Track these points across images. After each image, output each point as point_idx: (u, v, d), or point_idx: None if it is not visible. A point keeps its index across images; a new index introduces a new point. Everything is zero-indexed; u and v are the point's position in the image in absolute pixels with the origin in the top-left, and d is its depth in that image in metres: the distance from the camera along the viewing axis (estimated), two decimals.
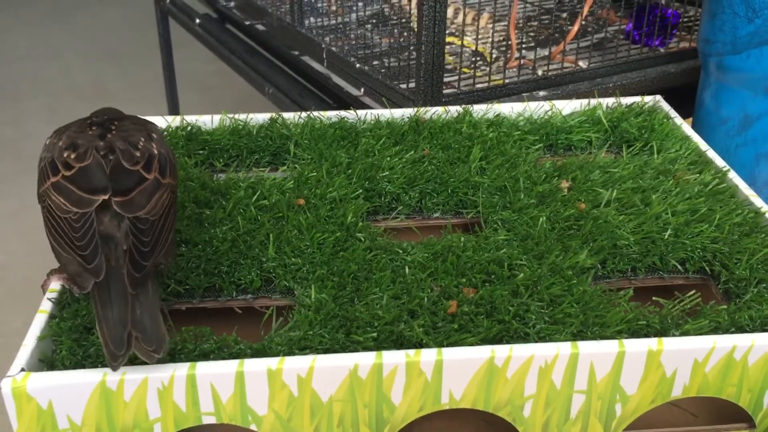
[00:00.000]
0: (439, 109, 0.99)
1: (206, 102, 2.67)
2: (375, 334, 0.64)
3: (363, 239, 0.76)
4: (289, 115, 0.98)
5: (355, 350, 0.63)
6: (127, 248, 0.62)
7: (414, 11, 1.39)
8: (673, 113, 1.00)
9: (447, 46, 1.30)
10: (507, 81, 1.15)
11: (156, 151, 0.69)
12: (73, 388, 0.59)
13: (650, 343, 0.63)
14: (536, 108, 1.00)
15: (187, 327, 0.65)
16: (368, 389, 0.62)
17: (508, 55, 1.26)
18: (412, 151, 0.90)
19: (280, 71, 1.48)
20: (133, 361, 0.60)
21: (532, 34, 1.39)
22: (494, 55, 1.29)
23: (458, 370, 0.62)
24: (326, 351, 0.63)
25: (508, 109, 1.00)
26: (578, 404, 0.64)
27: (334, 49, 1.27)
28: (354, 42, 1.34)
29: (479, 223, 0.81)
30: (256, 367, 0.60)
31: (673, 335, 0.66)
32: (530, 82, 1.16)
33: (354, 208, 0.80)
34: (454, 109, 0.99)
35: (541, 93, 1.16)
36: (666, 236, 0.76)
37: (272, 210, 0.80)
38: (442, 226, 0.82)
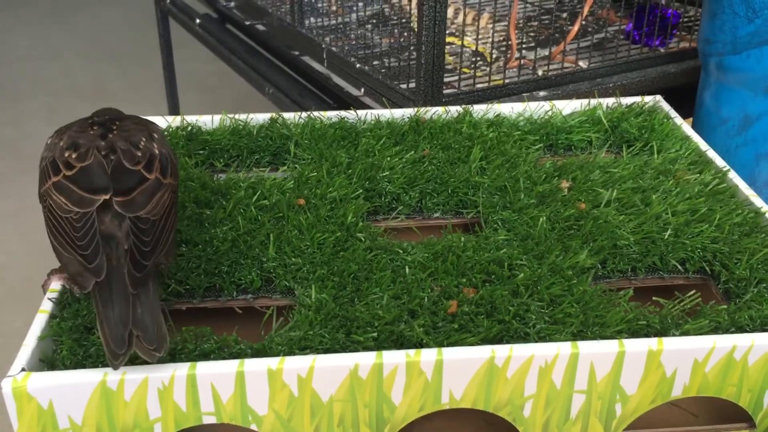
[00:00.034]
0: (440, 109, 0.99)
1: (206, 102, 2.67)
2: (375, 334, 0.64)
3: (363, 239, 0.76)
4: (289, 115, 0.98)
5: (356, 350, 0.63)
6: (128, 248, 0.62)
7: (414, 11, 1.39)
8: (673, 113, 1.00)
9: (447, 46, 1.30)
10: (507, 81, 1.15)
11: (157, 151, 0.69)
12: (74, 387, 0.59)
13: (650, 343, 0.63)
14: (536, 108, 1.00)
15: (188, 327, 0.65)
16: (368, 389, 0.62)
17: (509, 55, 1.26)
18: (413, 151, 0.90)
19: (280, 71, 1.48)
20: (134, 361, 0.60)
21: (532, 34, 1.39)
22: (494, 55, 1.29)
23: (458, 370, 0.62)
24: (326, 351, 0.63)
25: (509, 109, 1.00)
26: (578, 404, 0.64)
27: (334, 49, 1.28)
28: (354, 42, 1.34)
29: (479, 223, 0.82)
30: (256, 367, 0.60)
31: (673, 335, 0.66)
32: (530, 82, 1.16)
33: (354, 208, 0.80)
34: (455, 109, 0.99)
35: (542, 93, 1.16)
36: (666, 236, 0.76)
37: (272, 210, 0.80)
38: (443, 226, 0.82)
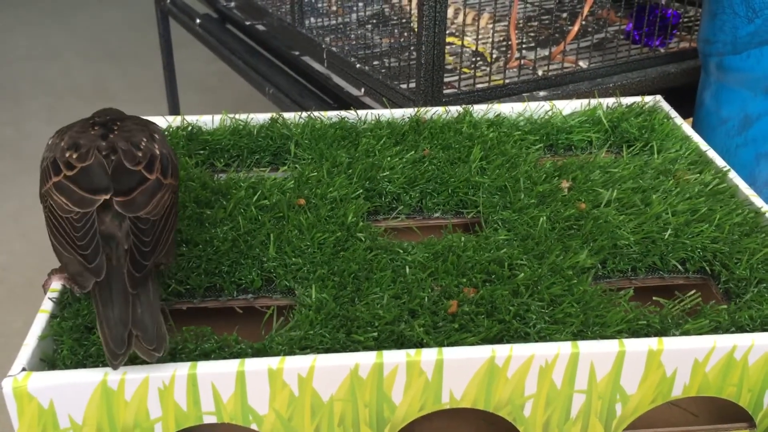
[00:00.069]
0: (440, 109, 0.99)
1: (207, 102, 2.67)
2: (375, 334, 0.64)
3: (363, 239, 0.76)
4: (289, 115, 0.98)
5: (356, 350, 0.63)
6: (128, 248, 0.62)
7: (414, 11, 1.39)
8: (673, 113, 1.00)
9: (447, 47, 1.30)
10: (507, 81, 1.15)
11: (158, 152, 0.69)
12: (74, 387, 0.59)
13: (650, 342, 0.63)
14: (536, 108, 1.00)
15: (188, 327, 0.65)
16: (369, 389, 0.62)
17: (509, 56, 1.26)
18: (413, 151, 0.90)
19: (280, 71, 1.48)
20: (134, 361, 0.60)
21: (532, 34, 1.39)
22: (494, 56, 1.29)
23: (459, 370, 0.62)
24: (327, 351, 0.63)
25: (509, 109, 1.00)
26: (578, 404, 0.64)
27: (334, 49, 1.28)
28: (354, 42, 1.34)
29: (480, 223, 0.82)
30: (256, 366, 0.60)
31: (674, 335, 0.66)
32: (530, 82, 1.16)
33: (354, 208, 0.80)
34: (455, 109, 0.99)
35: (542, 93, 1.16)
36: (666, 236, 0.76)
37: (273, 210, 0.80)
38: (443, 226, 0.82)
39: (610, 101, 1.02)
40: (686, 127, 0.97)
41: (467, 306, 0.67)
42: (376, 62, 1.24)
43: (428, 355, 0.61)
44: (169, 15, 1.95)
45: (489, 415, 0.65)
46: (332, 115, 0.98)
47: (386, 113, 0.99)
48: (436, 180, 0.85)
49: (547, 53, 1.27)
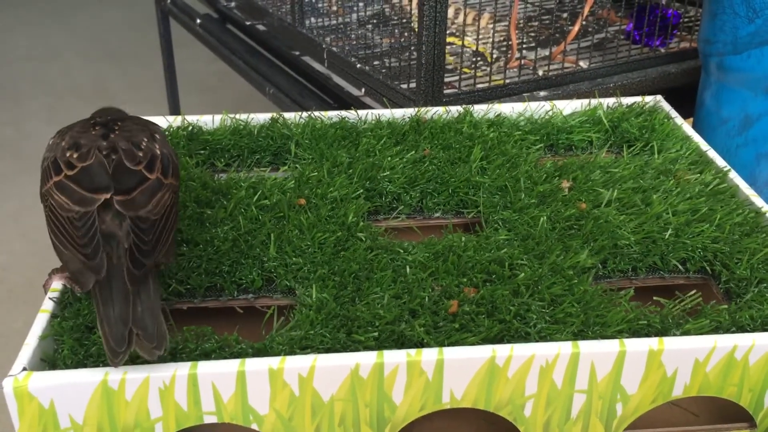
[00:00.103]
0: (440, 109, 0.99)
1: (207, 102, 2.68)
2: (376, 334, 0.64)
3: (364, 239, 0.76)
4: (290, 115, 0.98)
5: (357, 350, 0.63)
6: (128, 246, 0.62)
7: (415, 11, 1.39)
8: (673, 113, 1.00)
9: (448, 47, 1.30)
10: (508, 81, 1.15)
11: (159, 152, 0.69)
12: (75, 387, 0.59)
13: (651, 342, 0.63)
14: (537, 108, 1.00)
15: (189, 326, 0.65)
16: (369, 389, 0.62)
17: (509, 56, 1.26)
18: (413, 151, 0.90)
19: (280, 71, 1.48)
20: (134, 360, 0.60)
21: (532, 34, 1.39)
22: (495, 56, 1.29)
23: (459, 370, 0.62)
24: (327, 350, 0.63)
25: (509, 109, 1.00)
26: (579, 404, 0.64)
27: (334, 49, 1.28)
28: (355, 42, 1.34)
29: (480, 223, 0.82)
30: (257, 366, 0.60)
31: (674, 335, 0.66)
32: (531, 82, 1.16)
33: (355, 207, 0.80)
34: (455, 109, 0.99)
35: (542, 93, 1.16)
36: (667, 236, 0.76)
37: (273, 210, 0.80)
38: (443, 225, 0.82)
39: (610, 101, 1.02)
40: (687, 127, 0.97)
41: (468, 306, 0.67)
42: (376, 62, 1.24)
43: (429, 355, 0.61)
44: (170, 15, 1.95)
45: (489, 415, 0.65)
46: (333, 115, 0.98)
47: (387, 113, 0.99)
48: (437, 180, 0.85)
49: (547, 53, 1.27)
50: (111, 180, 0.65)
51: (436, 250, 0.75)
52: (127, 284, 0.60)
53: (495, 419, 0.66)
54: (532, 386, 0.63)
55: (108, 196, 0.64)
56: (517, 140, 0.94)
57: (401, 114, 0.98)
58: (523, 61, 1.22)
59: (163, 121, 0.96)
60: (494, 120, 0.98)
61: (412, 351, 0.62)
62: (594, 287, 0.70)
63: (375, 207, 0.83)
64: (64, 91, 2.82)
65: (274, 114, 0.98)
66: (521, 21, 1.45)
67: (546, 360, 0.62)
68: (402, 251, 0.75)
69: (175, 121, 0.97)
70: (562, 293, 0.69)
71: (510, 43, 1.27)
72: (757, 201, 0.82)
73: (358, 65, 1.21)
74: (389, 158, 0.88)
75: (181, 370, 0.60)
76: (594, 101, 1.01)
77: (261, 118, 0.97)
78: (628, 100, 1.03)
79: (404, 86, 1.13)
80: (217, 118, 0.97)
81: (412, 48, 1.30)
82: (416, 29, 1.06)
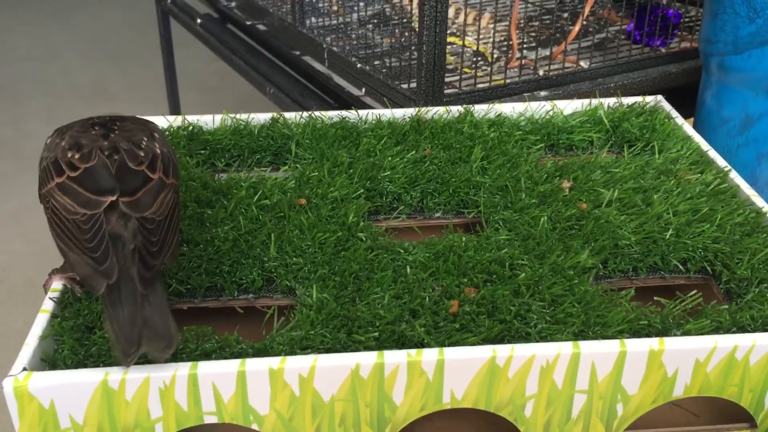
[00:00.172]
0: (441, 109, 0.99)
1: (207, 102, 2.68)
2: (376, 334, 0.64)
3: (364, 239, 0.76)
4: (290, 115, 0.98)
5: (357, 350, 0.63)
6: (135, 247, 0.62)
7: (415, 11, 1.39)
8: (674, 113, 1.00)
9: (448, 46, 1.30)
10: (508, 81, 1.15)
11: (159, 151, 0.69)
12: (75, 387, 0.59)
13: (652, 342, 0.63)
14: (537, 108, 1.00)
15: (189, 326, 0.65)
16: (370, 389, 0.62)
17: (510, 55, 1.26)
18: (414, 151, 0.90)
19: (281, 71, 1.48)
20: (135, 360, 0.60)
21: (533, 34, 1.39)
22: (495, 55, 1.29)
23: (460, 370, 0.62)
24: (328, 350, 0.63)
25: (510, 109, 1.00)
26: (580, 404, 0.64)
27: (335, 49, 1.28)
28: (355, 42, 1.34)
29: (480, 223, 0.81)
30: (257, 366, 0.60)
31: (675, 335, 0.66)
32: (531, 82, 1.16)
33: (355, 207, 0.80)
34: (456, 109, 0.99)
35: (543, 93, 1.16)
36: (667, 236, 0.76)
37: (274, 210, 0.80)
38: (444, 225, 0.82)
39: (611, 101, 1.02)
40: (687, 127, 0.97)
41: (468, 306, 0.67)
42: (377, 62, 1.24)
43: (429, 355, 0.61)
44: (170, 15, 1.95)
45: (490, 415, 0.65)
46: (333, 114, 0.98)
47: (387, 113, 0.98)
48: (437, 180, 0.85)
49: (548, 53, 1.27)
50: (115, 181, 0.65)
51: (436, 250, 0.75)
52: (138, 285, 0.59)
53: (495, 419, 0.66)
54: (533, 386, 0.63)
55: (114, 198, 0.64)
56: (517, 140, 0.94)
57: (402, 114, 0.98)
58: (523, 61, 1.22)
59: (163, 121, 0.96)
60: (495, 120, 0.98)
61: (413, 351, 0.61)
62: (595, 287, 0.70)
63: (375, 207, 0.83)
64: (64, 91, 2.82)
65: (275, 114, 0.98)
66: (522, 21, 1.45)
67: (546, 360, 0.62)
68: (402, 251, 0.75)
69: (176, 121, 0.97)
70: (562, 293, 0.69)
71: (510, 42, 1.27)
72: (758, 201, 0.82)
73: (359, 65, 1.21)
74: (390, 158, 0.88)
75: (181, 370, 0.60)
76: (595, 101, 1.01)
77: (261, 117, 0.97)
78: (628, 100, 1.03)
79: (405, 86, 1.13)
80: (218, 117, 0.97)
81: (413, 48, 1.30)
82: (417, 29, 1.06)
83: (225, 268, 0.72)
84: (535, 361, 0.62)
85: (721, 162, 0.89)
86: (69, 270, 0.67)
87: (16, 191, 2.19)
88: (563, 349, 0.62)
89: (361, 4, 1.50)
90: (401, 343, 0.64)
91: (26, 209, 2.10)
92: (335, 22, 1.43)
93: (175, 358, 0.62)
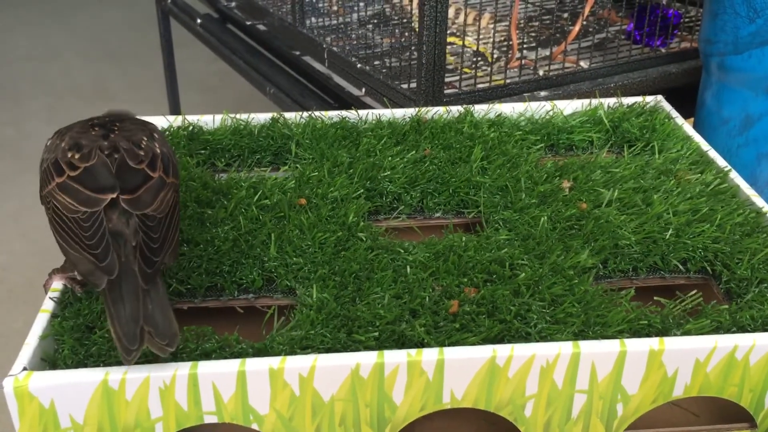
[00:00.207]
0: (441, 109, 0.99)
1: (207, 102, 2.68)
2: (376, 334, 0.64)
3: (364, 239, 0.76)
4: (290, 115, 0.98)
5: (357, 350, 0.63)
6: (137, 245, 0.62)
7: (415, 11, 1.39)
8: (674, 113, 1.00)
9: (448, 46, 1.30)
10: (508, 81, 1.15)
11: (159, 151, 0.69)
12: (75, 387, 0.59)
13: (652, 342, 0.63)
14: (537, 108, 1.00)
15: (189, 326, 0.65)
16: (370, 389, 0.62)
17: (510, 55, 1.26)
18: (414, 151, 0.90)
19: (281, 71, 1.48)
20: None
21: (533, 34, 1.39)
22: (495, 55, 1.29)
23: (460, 370, 0.62)
24: (328, 350, 0.63)
25: (510, 109, 1.00)
26: (580, 404, 0.64)
27: (335, 49, 1.28)
28: (355, 42, 1.34)
29: (480, 223, 0.82)
30: (257, 366, 0.60)
31: (675, 335, 0.66)
32: (531, 82, 1.16)
33: (355, 207, 0.80)
34: (456, 109, 0.99)
35: (543, 93, 1.16)
36: (667, 236, 0.76)
37: (274, 210, 0.80)
38: (444, 225, 0.82)
39: (611, 101, 1.02)
40: (687, 127, 0.97)
41: (468, 306, 0.67)
42: (377, 62, 1.24)
43: (429, 355, 0.61)
44: (170, 15, 1.95)
45: (490, 415, 0.65)
46: (333, 114, 0.98)
47: (387, 113, 0.98)
48: (437, 180, 0.85)
49: (548, 53, 1.27)
50: (115, 179, 0.65)
51: (436, 250, 0.75)
52: (140, 283, 0.60)
53: (495, 419, 0.66)
54: (533, 386, 0.63)
55: (114, 195, 0.64)
56: (517, 140, 0.94)
57: (402, 114, 0.98)
58: (523, 61, 1.22)
59: (163, 121, 0.96)
60: (495, 120, 0.98)
61: (413, 351, 0.61)
62: (595, 287, 0.70)
63: (375, 207, 0.83)
64: (64, 91, 2.82)
65: (275, 114, 0.98)
66: (522, 21, 1.45)
67: (546, 360, 0.62)
68: (402, 251, 0.75)
69: (176, 121, 0.97)
70: (562, 293, 0.69)
71: (510, 43, 1.27)
72: (758, 201, 0.82)
73: (359, 65, 1.21)
74: (390, 158, 0.88)
75: (181, 369, 0.60)
76: (595, 101, 1.01)
77: (261, 117, 0.97)
78: (628, 100, 1.03)
79: (405, 86, 1.13)
80: (218, 117, 0.97)
81: (413, 48, 1.30)
82: (417, 29, 1.06)
83: (225, 268, 0.72)
84: (535, 361, 0.62)
85: (721, 162, 0.89)
86: (69, 270, 0.68)
87: (16, 191, 2.19)
88: (563, 349, 0.62)
89: (361, 4, 1.50)
90: (401, 342, 0.64)
91: (26, 209, 2.10)
92: (335, 22, 1.43)
93: (175, 357, 0.62)
